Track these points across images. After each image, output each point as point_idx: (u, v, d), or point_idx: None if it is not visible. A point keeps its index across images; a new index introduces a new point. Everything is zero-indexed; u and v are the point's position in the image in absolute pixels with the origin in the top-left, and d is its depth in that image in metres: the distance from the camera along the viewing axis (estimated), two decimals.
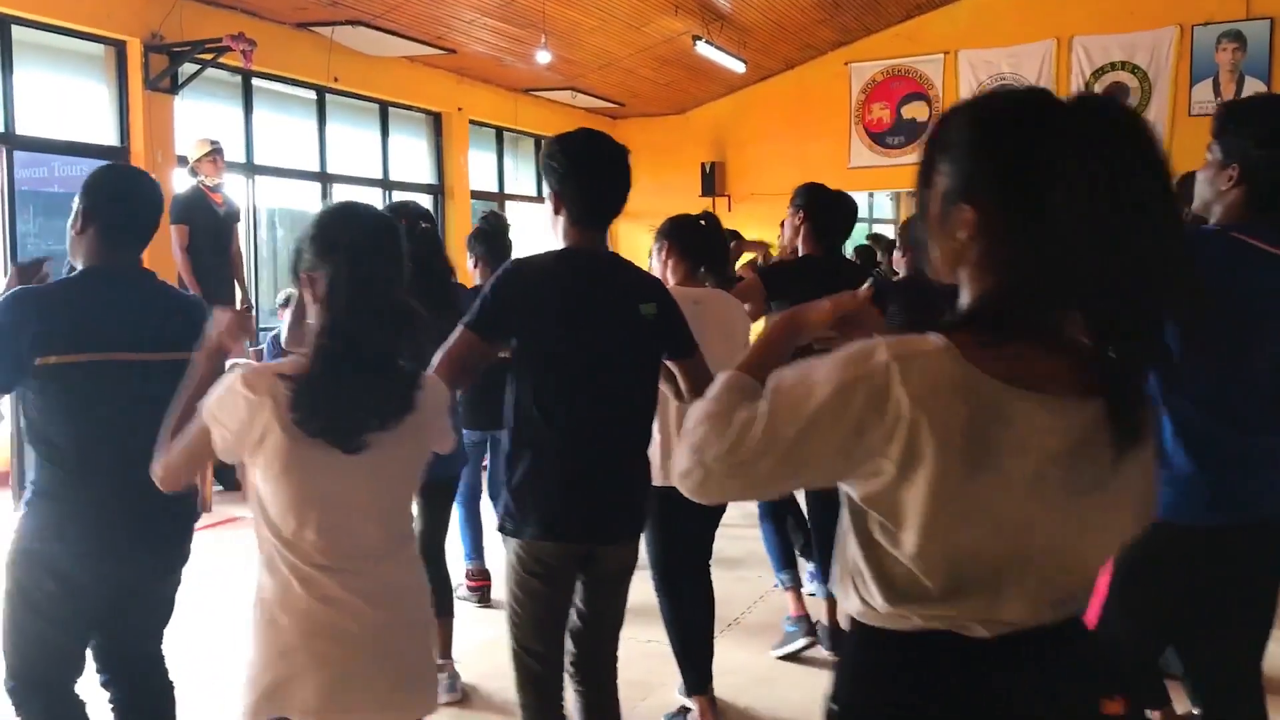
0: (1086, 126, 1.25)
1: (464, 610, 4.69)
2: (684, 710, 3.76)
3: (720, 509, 3.78)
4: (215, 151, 7.48)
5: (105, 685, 2.83)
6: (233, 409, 1.90)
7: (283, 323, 8.57)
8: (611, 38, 10.48)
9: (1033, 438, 1.25)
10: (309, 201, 9.79)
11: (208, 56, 7.89)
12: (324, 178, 9.83)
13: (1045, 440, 1.25)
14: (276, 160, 9.31)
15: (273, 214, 9.62)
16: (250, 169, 8.99)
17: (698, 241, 3.62)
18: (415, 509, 3.99)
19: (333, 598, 1.95)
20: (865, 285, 1.63)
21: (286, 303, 8.49)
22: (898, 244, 5.78)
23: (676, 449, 1.38)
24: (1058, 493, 1.26)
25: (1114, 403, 1.27)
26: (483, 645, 4.31)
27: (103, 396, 2.55)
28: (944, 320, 1.31)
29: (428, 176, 11.25)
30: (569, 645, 2.81)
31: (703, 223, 3.73)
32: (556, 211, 2.67)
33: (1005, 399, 1.25)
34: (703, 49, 10.56)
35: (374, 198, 10.47)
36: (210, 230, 7.43)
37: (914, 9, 12.08)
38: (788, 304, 4.22)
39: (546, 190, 2.70)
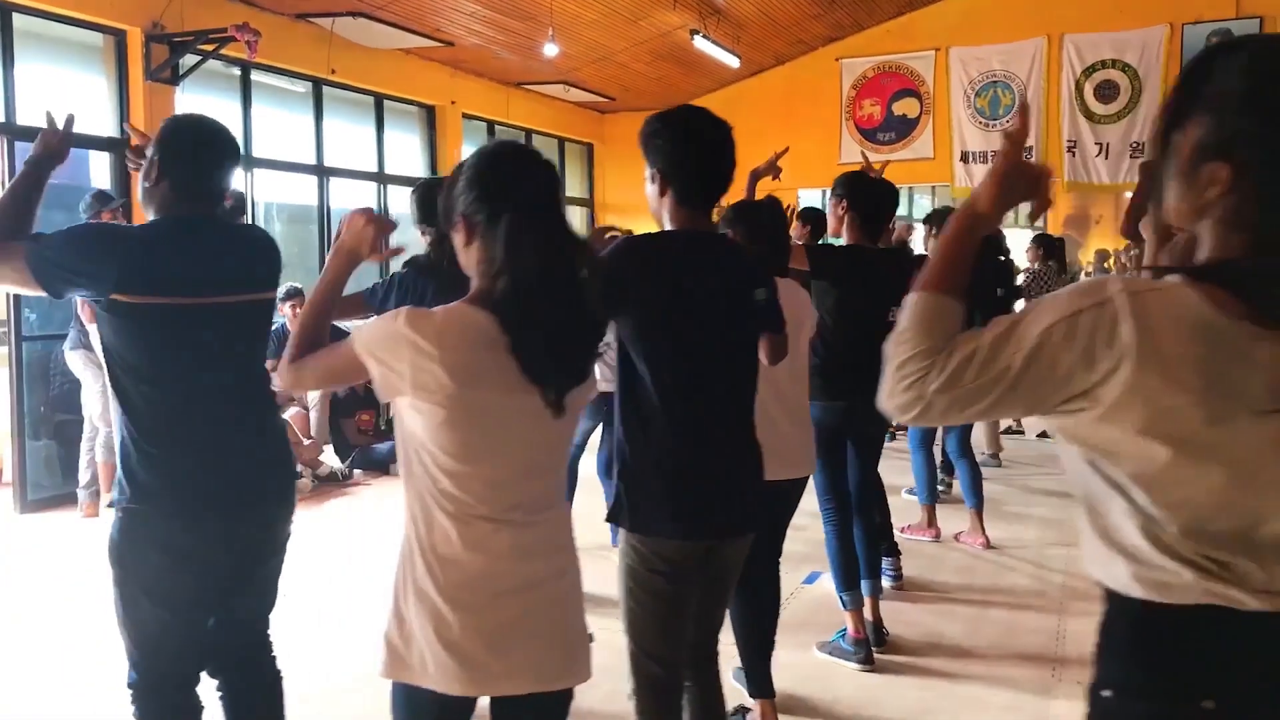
0: None
1: None
2: (742, 710, 3.70)
3: (794, 507, 3.75)
4: None
5: (213, 673, 2.77)
6: (396, 351, 1.84)
7: (284, 316, 8.49)
8: (609, 31, 10.44)
9: None
10: (306, 195, 9.69)
11: (210, 47, 7.77)
12: (321, 171, 9.73)
13: None
14: (273, 154, 9.19)
15: (270, 208, 9.50)
16: (249, 162, 8.87)
17: (762, 228, 3.58)
18: None
19: (495, 550, 1.90)
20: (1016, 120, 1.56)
21: (288, 296, 8.40)
22: (934, 231, 5.81)
23: (886, 379, 1.36)
24: None
25: None
26: None
27: (184, 339, 2.51)
28: (1182, 268, 1.30)
29: (422, 170, 11.16)
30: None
31: (762, 208, 3.70)
32: (662, 192, 2.57)
33: (1249, 341, 1.22)
34: (700, 43, 10.54)
35: (369, 191, 10.39)
36: None
37: (906, 5, 12.12)
38: (826, 285, 4.22)
39: (649, 170, 2.60)
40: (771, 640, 3.66)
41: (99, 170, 7.72)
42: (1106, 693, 1.38)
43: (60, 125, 2.73)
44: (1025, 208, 1.57)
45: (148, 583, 2.55)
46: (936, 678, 4.21)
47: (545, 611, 1.97)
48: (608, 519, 2.62)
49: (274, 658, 2.87)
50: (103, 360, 2.59)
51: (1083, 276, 13.81)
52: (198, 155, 2.63)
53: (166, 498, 2.49)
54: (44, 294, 2.53)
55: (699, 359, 2.54)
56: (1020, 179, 1.47)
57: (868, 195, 4.43)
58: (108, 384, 2.59)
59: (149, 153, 2.61)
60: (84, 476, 6.99)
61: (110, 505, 2.62)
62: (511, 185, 1.92)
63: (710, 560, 2.63)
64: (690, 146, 2.56)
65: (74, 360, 6.84)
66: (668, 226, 2.62)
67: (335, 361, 2.02)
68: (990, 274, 6.62)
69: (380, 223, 2.17)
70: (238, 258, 2.65)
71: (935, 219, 5.96)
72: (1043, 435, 8.77)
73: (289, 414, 7.90)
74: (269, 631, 2.87)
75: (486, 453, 1.89)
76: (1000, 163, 1.47)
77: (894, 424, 6.23)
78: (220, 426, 2.56)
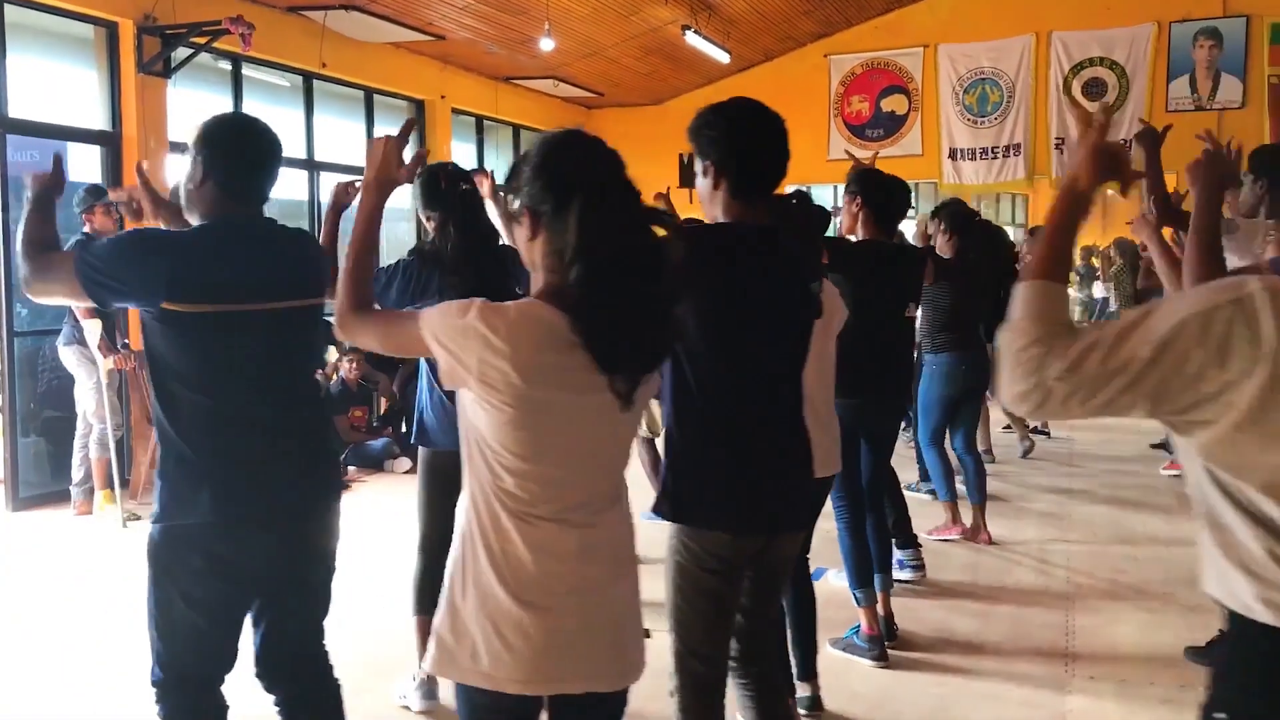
0: None
1: None
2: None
3: (821, 505, 3.73)
4: None
5: (270, 689, 2.72)
6: (465, 343, 1.80)
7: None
8: (601, 25, 10.41)
9: None
10: (296, 190, 9.61)
11: (203, 40, 7.69)
12: (311, 165, 9.65)
13: None
14: None
15: None
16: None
17: (799, 223, 3.55)
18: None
19: (557, 551, 1.86)
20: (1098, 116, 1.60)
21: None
22: (942, 225, 5.81)
23: (1005, 369, 1.34)
24: None
25: None
26: None
27: (235, 346, 2.46)
28: None
29: None
30: (734, 644, 2.68)
31: (794, 201, 3.67)
32: (716, 185, 2.53)
33: None
34: (691, 39, 10.53)
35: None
36: None
37: (894, 2, 12.16)
38: (842, 280, 4.20)
39: (701, 163, 2.55)
40: (815, 631, 3.73)
41: (90, 164, 7.62)
42: (1220, 715, 1.34)
43: (51, 169, 2.67)
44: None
45: (184, 588, 2.50)
46: (951, 674, 4.21)
47: (606, 612, 1.94)
48: (654, 511, 2.56)
49: (331, 669, 2.80)
50: (148, 371, 2.52)
51: (1072, 274, 13.89)
52: (244, 153, 2.56)
53: (209, 508, 2.44)
54: (93, 304, 2.50)
55: (756, 351, 2.51)
56: (1109, 156, 1.49)
57: (882, 190, 4.43)
58: (152, 395, 2.53)
59: (189, 153, 2.54)
60: (77, 474, 6.91)
61: (152, 519, 2.56)
62: (578, 171, 1.88)
63: (763, 556, 2.60)
64: (745, 138, 2.52)
65: (67, 356, 6.75)
66: (720, 219, 2.58)
67: (398, 332, 2.00)
68: (998, 271, 6.65)
69: (400, 140, 2.21)
70: (288, 263, 2.60)
71: (945, 213, 5.95)
72: (1007, 427, 8.76)
73: None
74: (324, 643, 2.80)
75: (552, 453, 1.86)
76: (1094, 140, 1.50)
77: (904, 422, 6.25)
78: (268, 436, 2.51)
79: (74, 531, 6.56)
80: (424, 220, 3.82)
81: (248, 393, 2.49)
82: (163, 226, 2.83)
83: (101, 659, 4.44)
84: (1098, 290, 14.86)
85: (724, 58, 11.45)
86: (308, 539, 2.64)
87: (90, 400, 6.73)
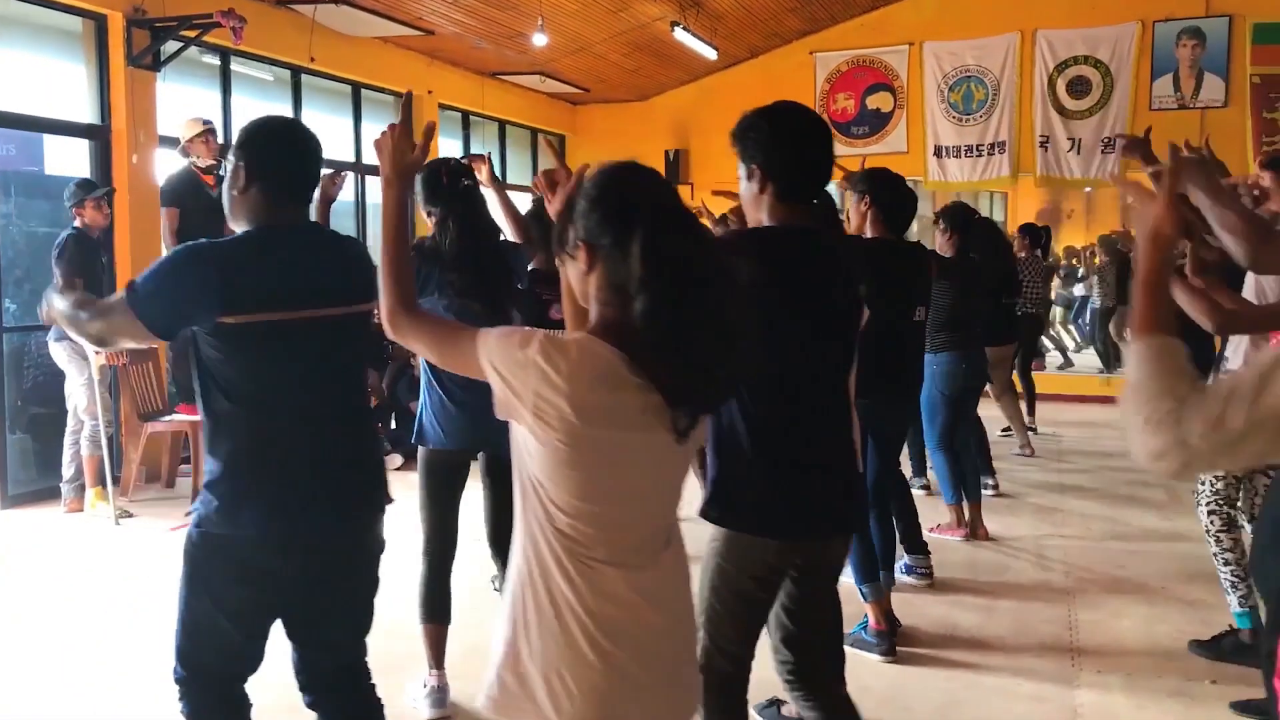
0: None
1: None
2: (775, 701, 3.70)
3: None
4: (208, 131, 7.25)
5: (311, 706, 2.69)
6: (522, 375, 1.74)
7: None
8: (590, 21, 10.39)
9: None
10: None
11: (193, 33, 7.62)
12: None
13: None
14: None
15: None
16: (225, 150, 8.72)
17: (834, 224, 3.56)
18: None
19: (616, 596, 1.80)
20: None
21: None
22: (943, 224, 5.83)
23: (1135, 429, 1.33)
24: None
25: None
26: (466, 652, 3.95)
27: (289, 355, 2.44)
28: None
29: None
30: (787, 655, 2.65)
31: (814, 203, 3.68)
32: (762, 188, 2.52)
33: None
34: (680, 35, 10.52)
35: (347, 182, 10.24)
36: (203, 214, 7.15)
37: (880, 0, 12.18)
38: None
39: (744, 166, 2.55)
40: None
41: (79, 158, 7.54)
42: None
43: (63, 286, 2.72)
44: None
45: (217, 593, 2.49)
46: (959, 669, 4.24)
47: (668, 656, 1.90)
48: (701, 515, 2.54)
49: (372, 685, 2.76)
50: (198, 383, 2.48)
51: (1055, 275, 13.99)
52: (288, 155, 2.53)
53: (251, 523, 2.41)
54: (159, 340, 2.47)
55: (809, 355, 2.51)
56: (1187, 203, 1.51)
57: (890, 190, 4.44)
58: (201, 406, 2.50)
59: (230, 158, 2.51)
60: (67, 471, 6.83)
61: (187, 514, 2.54)
62: (638, 201, 1.81)
63: (813, 561, 2.58)
64: (791, 140, 2.51)
65: (58, 352, 6.68)
66: (765, 222, 2.57)
67: (451, 347, 1.96)
68: (999, 271, 6.69)
69: (404, 125, 2.17)
70: (336, 268, 2.57)
71: (948, 216, 5.97)
72: (1006, 430, 8.81)
73: None
74: (364, 658, 2.76)
75: (607, 494, 1.80)
76: (1170, 186, 1.52)
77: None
78: (317, 448, 2.48)
79: (66, 529, 6.49)
80: (424, 216, 3.80)
81: (298, 404, 2.46)
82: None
83: (101, 659, 4.40)
84: (1078, 289, 14.95)
85: (711, 54, 11.45)
86: (351, 552, 2.60)
87: (82, 396, 6.66)
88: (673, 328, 1.73)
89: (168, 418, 7.22)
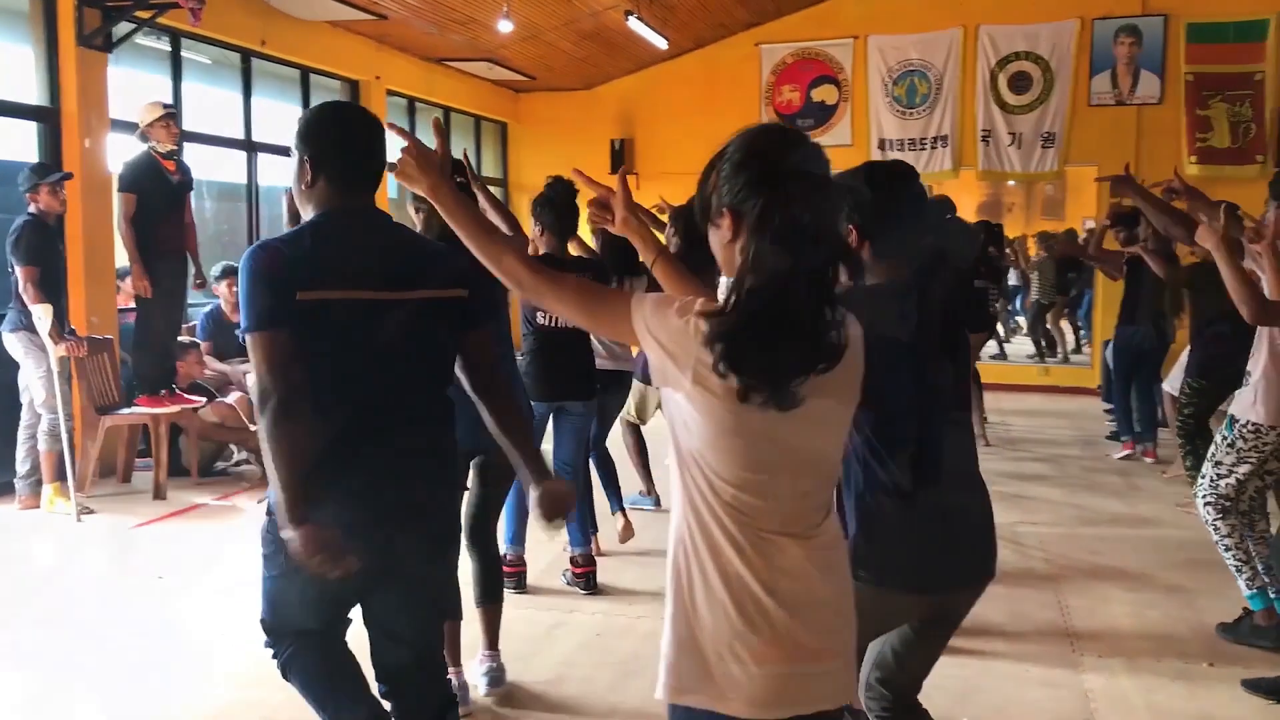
0: None
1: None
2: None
3: None
4: (169, 116, 7.02)
5: (385, 696, 2.63)
6: (683, 343, 1.71)
7: (219, 297, 8.15)
8: (542, 9, 10.29)
9: None
10: (235, 172, 9.33)
11: (147, 14, 7.38)
12: (249, 146, 9.36)
13: None
14: (202, 128, 8.79)
15: (200, 184, 9.08)
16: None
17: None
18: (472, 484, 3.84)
19: (788, 568, 1.76)
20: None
21: (223, 274, 8.06)
22: None
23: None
24: None
25: None
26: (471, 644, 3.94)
27: (363, 338, 2.38)
28: None
29: None
30: (883, 694, 2.57)
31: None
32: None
33: None
34: (633, 24, 10.49)
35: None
36: (162, 199, 6.97)
37: None
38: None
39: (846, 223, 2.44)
40: None
41: (27, 141, 7.26)
42: None
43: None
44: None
45: (287, 586, 2.48)
46: (967, 656, 4.28)
47: (841, 629, 1.87)
48: (853, 575, 2.41)
49: (446, 681, 2.74)
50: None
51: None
52: (352, 143, 2.49)
53: (325, 516, 2.33)
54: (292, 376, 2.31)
55: (930, 390, 2.39)
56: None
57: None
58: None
59: (293, 153, 2.47)
60: (22, 467, 6.58)
61: (266, 510, 2.47)
62: (784, 166, 1.74)
63: (942, 611, 2.51)
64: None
65: (13, 343, 6.42)
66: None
67: (600, 307, 1.91)
68: (970, 268, 6.78)
69: (417, 142, 2.25)
70: (409, 253, 2.53)
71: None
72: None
73: (232, 398, 7.59)
74: (436, 653, 2.71)
75: (773, 464, 1.76)
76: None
77: None
78: (388, 442, 2.40)
79: (24, 527, 6.27)
80: (412, 212, 3.74)
81: (375, 395, 2.40)
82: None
83: (101, 657, 4.26)
84: (1011, 279, 15.27)
85: (662, 44, 11.44)
86: (424, 540, 2.54)
87: (39, 389, 6.41)
88: (811, 295, 1.71)
89: (125, 410, 7.01)
